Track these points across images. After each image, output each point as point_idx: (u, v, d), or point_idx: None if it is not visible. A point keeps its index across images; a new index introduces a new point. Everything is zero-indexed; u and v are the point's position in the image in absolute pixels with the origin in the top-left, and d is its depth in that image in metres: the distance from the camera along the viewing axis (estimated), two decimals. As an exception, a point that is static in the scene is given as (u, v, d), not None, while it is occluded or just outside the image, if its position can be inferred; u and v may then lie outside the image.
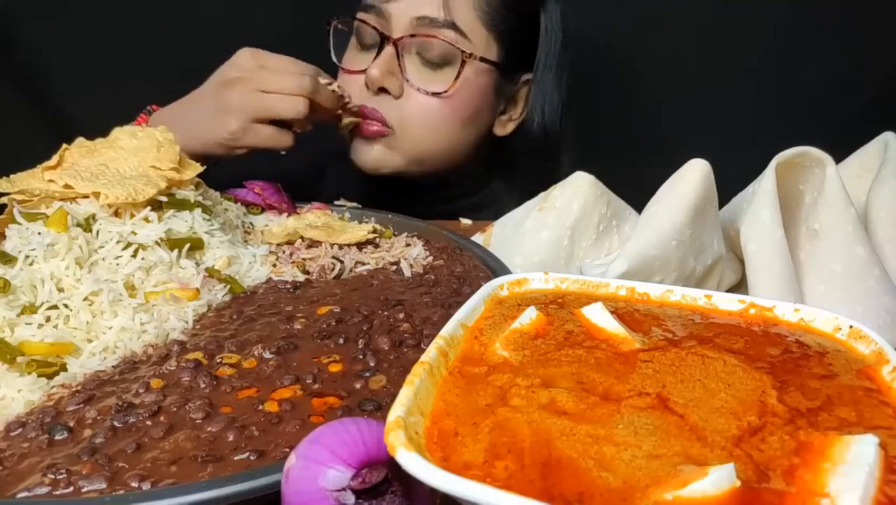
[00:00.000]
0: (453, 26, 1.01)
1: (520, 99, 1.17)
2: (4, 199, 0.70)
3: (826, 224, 0.67)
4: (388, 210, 0.94)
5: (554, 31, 1.12)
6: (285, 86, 0.90)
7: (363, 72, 1.04)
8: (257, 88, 0.90)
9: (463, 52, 1.02)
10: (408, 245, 0.85)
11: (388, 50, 1.02)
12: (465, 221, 1.04)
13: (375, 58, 1.03)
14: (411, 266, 0.77)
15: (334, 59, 1.10)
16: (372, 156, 1.08)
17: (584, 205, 0.77)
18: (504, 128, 1.18)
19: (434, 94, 1.03)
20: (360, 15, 1.06)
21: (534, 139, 1.16)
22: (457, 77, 1.02)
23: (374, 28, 1.03)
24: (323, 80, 0.94)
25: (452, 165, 1.13)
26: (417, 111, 1.04)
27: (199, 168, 0.78)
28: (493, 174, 1.23)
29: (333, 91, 0.95)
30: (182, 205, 0.73)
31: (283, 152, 0.95)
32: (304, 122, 0.94)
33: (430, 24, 1.01)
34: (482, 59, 1.05)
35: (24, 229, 0.65)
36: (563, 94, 1.15)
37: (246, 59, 0.92)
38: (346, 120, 1.02)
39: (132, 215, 0.69)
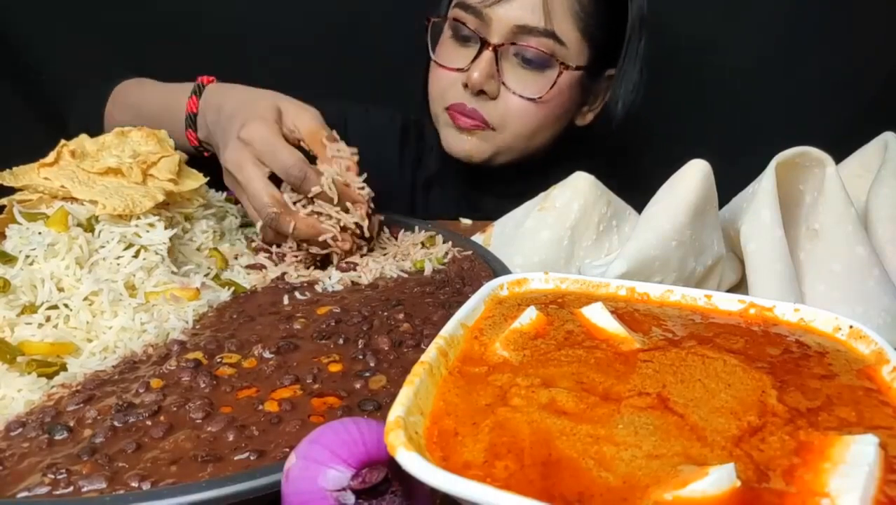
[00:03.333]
0: (552, 35, 1.03)
1: (600, 92, 1.19)
2: (4, 200, 0.70)
3: (826, 224, 0.67)
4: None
5: (638, 24, 1.14)
6: (251, 195, 0.75)
7: (458, 70, 1.07)
8: (239, 166, 0.76)
9: (561, 63, 1.05)
10: (423, 245, 0.85)
11: (488, 54, 1.04)
12: (465, 221, 1.04)
13: (474, 59, 1.05)
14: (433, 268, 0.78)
15: (432, 55, 1.12)
16: (466, 147, 1.11)
17: (584, 205, 0.77)
18: (584, 119, 1.21)
19: (529, 99, 1.06)
20: (459, 13, 1.07)
21: (615, 128, 1.19)
22: (552, 85, 1.05)
23: (474, 31, 1.05)
24: (323, 179, 0.75)
25: (533, 155, 1.17)
26: (513, 112, 1.07)
27: (201, 179, 0.77)
28: (564, 159, 1.25)
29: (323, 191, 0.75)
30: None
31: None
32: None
33: (530, 32, 1.03)
34: (576, 68, 1.08)
35: (24, 229, 0.65)
36: (643, 81, 1.18)
37: (255, 131, 0.76)
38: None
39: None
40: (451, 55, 1.09)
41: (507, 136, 1.10)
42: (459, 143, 1.12)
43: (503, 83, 1.05)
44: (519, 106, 1.07)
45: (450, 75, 1.09)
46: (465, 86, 1.06)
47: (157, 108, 0.98)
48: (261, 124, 0.76)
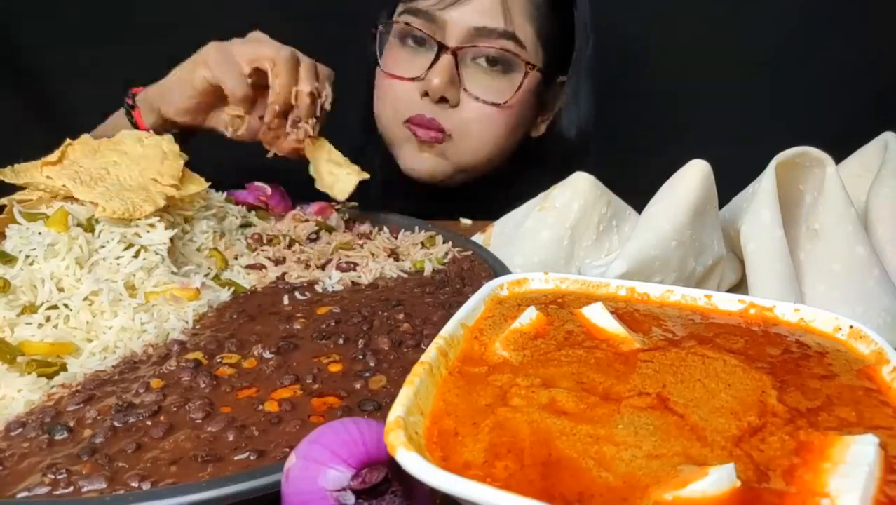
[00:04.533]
0: (513, 36, 0.99)
1: (553, 101, 1.16)
2: (4, 200, 0.70)
3: (826, 224, 0.67)
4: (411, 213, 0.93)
5: (586, 31, 1.11)
6: (264, 46, 0.88)
7: (414, 79, 1.01)
8: (228, 49, 0.88)
9: (527, 63, 1.00)
10: (423, 245, 0.85)
11: (447, 59, 0.98)
12: (465, 221, 1.04)
13: (431, 66, 0.99)
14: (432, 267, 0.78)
15: (380, 63, 1.07)
16: (426, 166, 1.06)
17: (584, 205, 0.77)
18: (538, 129, 1.18)
19: (493, 104, 1.01)
20: (408, 19, 1.02)
21: (567, 138, 1.15)
22: (518, 87, 1.01)
23: (429, 35, 1.00)
24: (303, 73, 0.88)
25: (490, 169, 1.12)
26: (474, 120, 1.02)
27: (203, 184, 0.77)
28: (521, 175, 1.23)
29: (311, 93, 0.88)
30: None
31: (237, 135, 0.92)
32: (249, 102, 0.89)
33: (490, 34, 0.98)
34: (538, 70, 1.03)
35: (24, 229, 0.65)
36: (594, 91, 1.15)
37: (209, 46, 0.90)
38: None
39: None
40: (403, 64, 1.03)
41: (466, 147, 1.04)
42: (420, 162, 1.05)
43: (464, 89, 1.00)
44: (480, 113, 1.01)
45: (404, 86, 1.02)
46: (424, 95, 1.00)
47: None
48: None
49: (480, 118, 1.02)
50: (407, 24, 1.02)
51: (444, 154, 1.05)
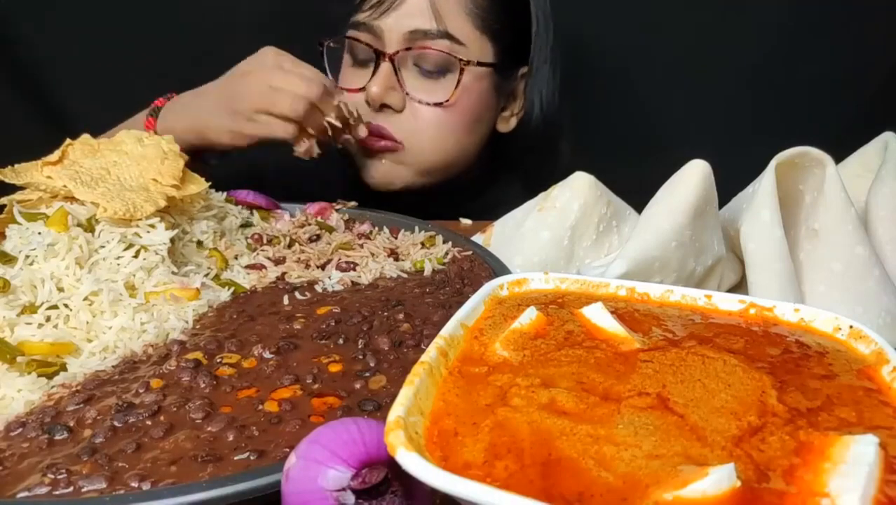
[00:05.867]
0: (447, 35, 1.01)
1: (518, 94, 1.17)
2: (4, 200, 0.70)
3: (826, 224, 0.67)
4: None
5: (544, 21, 1.12)
6: (292, 86, 0.91)
7: (361, 90, 1.04)
8: (267, 83, 0.92)
9: (460, 60, 1.02)
10: (423, 245, 0.85)
11: (385, 66, 1.02)
12: (465, 221, 1.04)
13: (373, 75, 1.02)
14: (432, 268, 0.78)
15: (330, 78, 1.09)
16: (381, 172, 1.08)
17: (584, 205, 0.77)
18: (507, 124, 1.18)
19: (436, 104, 1.03)
20: (352, 33, 1.05)
21: (533, 131, 1.16)
22: (457, 85, 1.03)
23: (368, 45, 1.03)
24: (333, 93, 0.96)
25: (457, 172, 1.13)
26: (422, 123, 1.04)
27: (203, 185, 0.77)
28: (497, 174, 1.23)
29: (338, 105, 0.96)
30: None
31: (306, 157, 0.97)
32: (305, 129, 0.95)
33: (424, 36, 1.01)
34: (479, 64, 1.05)
35: (24, 229, 0.65)
36: (558, 82, 1.15)
37: (266, 57, 0.94)
38: (343, 137, 1.02)
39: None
40: (352, 78, 1.07)
41: (420, 151, 1.06)
42: (375, 170, 1.08)
43: (407, 94, 1.03)
44: (427, 115, 1.04)
45: (354, 98, 1.05)
46: (369, 103, 1.03)
47: None
48: (265, 52, 0.94)
49: (428, 121, 1.05)
50: (348, 37, 1.06)
51: (401, 161, 1.07)
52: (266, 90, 0.91)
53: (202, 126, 0.95)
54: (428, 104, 1.03)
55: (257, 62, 0.95)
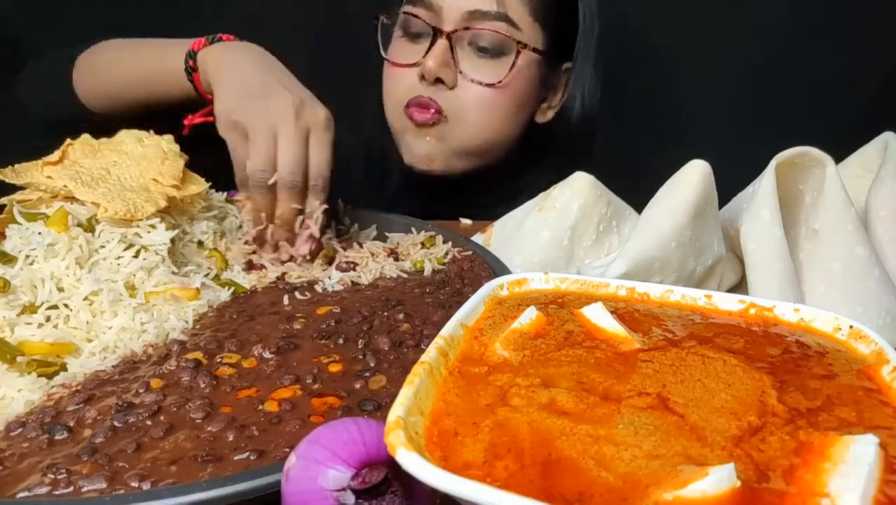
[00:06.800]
0: (506, 18, 1.03)
1: (559, 87, 1.18)
2: (5, 200, 0.70)
3: (826, 224, 0.67)
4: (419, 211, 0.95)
5: (591, 18, 1.14)
6: (294, 153, 0.76)
7: (413, 65, 1.05)
8: (286, 119, 0.76)
9: (518, 42, 1.04)
10: (423, 245, 0.85)
11: (442, 42, 1.03)
12: (465, 221, 1.04)
13: (428, 50, 1.03)
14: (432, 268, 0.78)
15: (383, 53, 1.11)
16: (425, 150, 1.09)
17: (584, 205, 0.77)
18: (544, 115, 1.20)
19: (489, 84, 1.05)
20: (408, 8, 1.06)
21: (574, 126, 1.17)
22: (511, 67, 1.04)
23: (425, 21, 1.04)
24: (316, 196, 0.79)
25: (493, 158, 1.15)
26: (472, 101, 1.06)
27: (203, 185, 0.77)
28: (528, 164, 1.24)
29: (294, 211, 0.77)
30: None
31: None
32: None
33: (483, 16, 1.02)
34: (534, 49, 1.07)
35: (24, 229, 0.65)
36: (600, 81, 1.17)
37: (317, 107, 0.80)
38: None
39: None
40: (405, 52, 1.08)
41: (465, 129, 1.07)
42: (418, 147, 1.08)
43: (460, 72, 1.04)
44: (477, 94, 1.05)
45: (405, 73, 1.07)
46: (422, 78, 1.04)
47: (141, 70, 0.97)
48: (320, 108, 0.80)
49: (477, 99, 1.06)
50: (406, 13, 1.06)
51: (442, 137, 1.08)
52: (277, 118, 0.76)
53: (212, 77, 0.85)
54: (480, 83, 1.05)
55: (299, 99, 0.78)
